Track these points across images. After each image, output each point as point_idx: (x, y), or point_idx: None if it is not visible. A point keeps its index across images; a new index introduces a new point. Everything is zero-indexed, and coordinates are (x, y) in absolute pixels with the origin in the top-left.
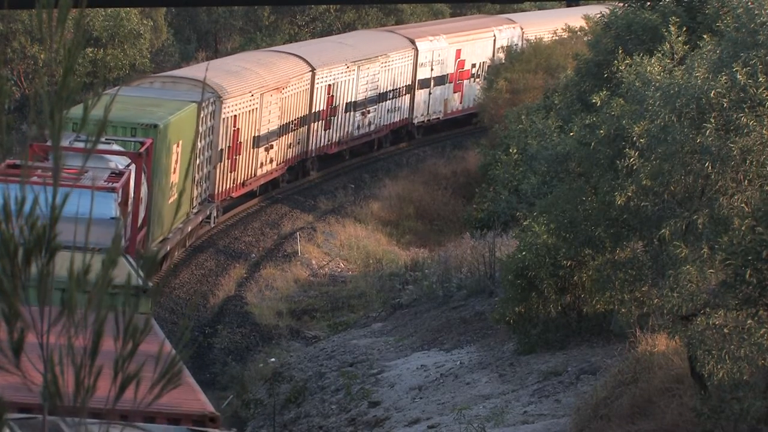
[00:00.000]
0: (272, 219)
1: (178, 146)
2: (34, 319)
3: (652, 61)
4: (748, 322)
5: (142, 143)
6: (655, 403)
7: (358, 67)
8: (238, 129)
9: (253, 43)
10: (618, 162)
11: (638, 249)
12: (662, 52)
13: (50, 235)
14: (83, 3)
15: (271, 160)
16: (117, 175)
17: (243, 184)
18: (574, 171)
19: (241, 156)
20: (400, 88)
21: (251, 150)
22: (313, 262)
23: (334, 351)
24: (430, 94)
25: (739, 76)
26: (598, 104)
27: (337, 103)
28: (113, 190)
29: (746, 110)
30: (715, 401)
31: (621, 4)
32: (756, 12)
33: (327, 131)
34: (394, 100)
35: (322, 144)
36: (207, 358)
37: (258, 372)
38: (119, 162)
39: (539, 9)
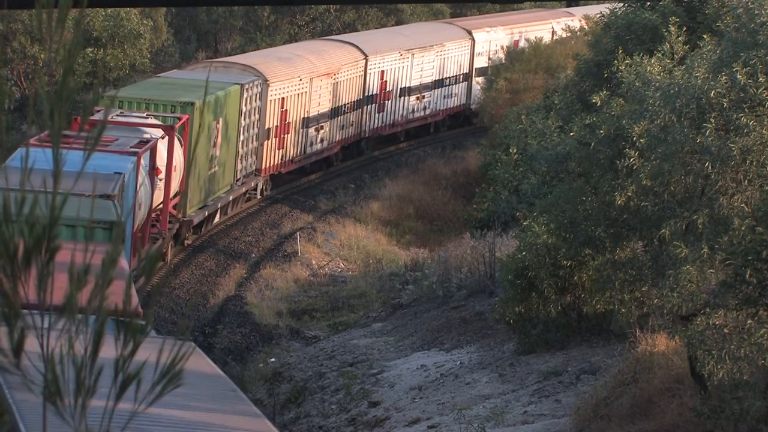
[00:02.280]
0: (272, 219)
1: (218, 123)
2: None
3: (652, 61)
4: (748, 322)
5: (179, 118)
6: (655, 403)
7: (412, 55)
8: (286, 110)
9: (253, 43)
10: (618, 162)
11: (638, 249)
12: (662, 52)
13: (50, 235)
14: (83, 3)
15: (322, 140)
16: (144, 142)
17: (292, 161)
18: (574, 171)
19: (289, 135)
20: (457, 75)
21: (300, 130)
22: (313, 262)
23: (334, 351)
24: None
25: (739, 76)
26: (598, 104)
27: (391, 88)
28: (135, 154)
29: (746, 110)
30: (715, 401)
31: (621, 5)
32: (756, 12)
33: (381, 114)
34: (450, 86)
35: (376, 126)
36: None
37: (258, 372)
38: (154, 134)
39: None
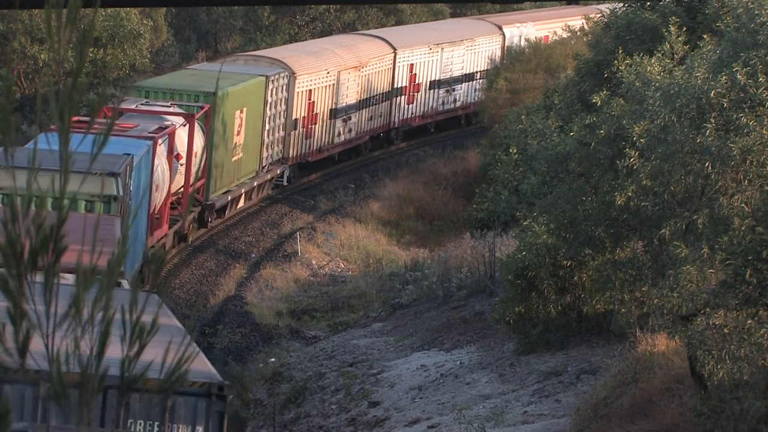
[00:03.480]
0: (272, 219)
1: (241, 112)
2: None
3: (652, 61)
4: (748, 322)
5: (201, 107)
6: (655, 403)
7: (442, 49)
8: (313, 102)
9: (253, 43)
10: (618, 162)
11: (638, 249)
12: (662, 52)
13: (57, 235)
14: (96, 3)
15: (350, 130)
16: (162, 129)
17: (319, 150)
18: (574, 171)
19: (317, 125)
20: (488, 69)
21: (328, 120)
22: (313, 262)
23: (334, 351)
24: None
25: (739, 76)
26: (598, 104)
27: (421, 81)
28: (150, 138)
29: (746, 110)
30: (715, 401)
31: (621, 5)
32: (756, 12)
33: (410, 105)
34: (481, 80)
35: (405, 117)
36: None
37: (258, 372)
38: (176, 122)
39: (539, 9)
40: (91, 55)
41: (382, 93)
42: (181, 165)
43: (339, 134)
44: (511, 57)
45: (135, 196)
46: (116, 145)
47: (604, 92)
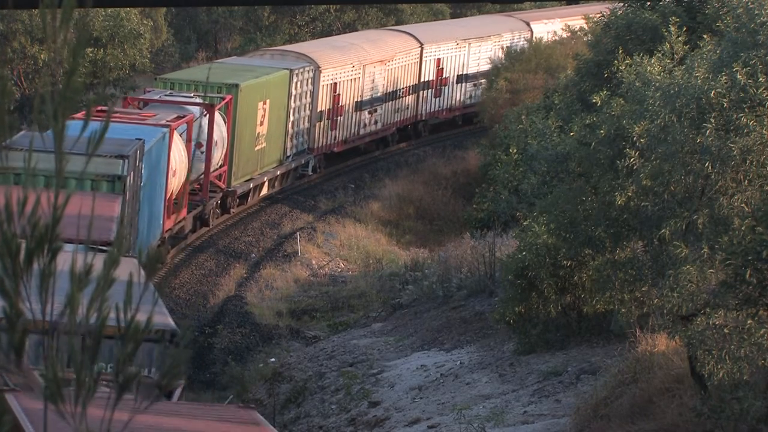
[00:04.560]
0: (272, 219)
1: (264, 104)
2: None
3: (652, 61)
4: (748, 322)
5: (223, 98)
6: (655, 403)
7: (469, 44)
8: (338, 94)
9: (253, 43)
10: (618, 162)
11: (638, 249)
12: (662, 52)
13: (52, 235)
14: (88, 3)
15: (376, 122)
16: (180, 118)
17: (344, 142)
18: (574, 171)
19: (342, 117)
20: None
21: (353, 113)
22: (313, 262)
23: (334, 351)
24: None
25: (739, 76)
26: (598, 104)
27: (447, 75)
28: (167, 126)
29: (746, 110)
30: (715, 401)
31: (621, 4)
32: (756, 12)
33: (437, 99)
34: None
35: (432, 110)
36: (207, 358)
37: (258, 372)
38: (197, 111)
39: (539, 9)
40: (90, 55)
41: (409, 86)
42: (202, 153)
43: (365, 126)
44: (511, 57)
45: (146, 178)
46: (133, 132)
47: (604, 92)
